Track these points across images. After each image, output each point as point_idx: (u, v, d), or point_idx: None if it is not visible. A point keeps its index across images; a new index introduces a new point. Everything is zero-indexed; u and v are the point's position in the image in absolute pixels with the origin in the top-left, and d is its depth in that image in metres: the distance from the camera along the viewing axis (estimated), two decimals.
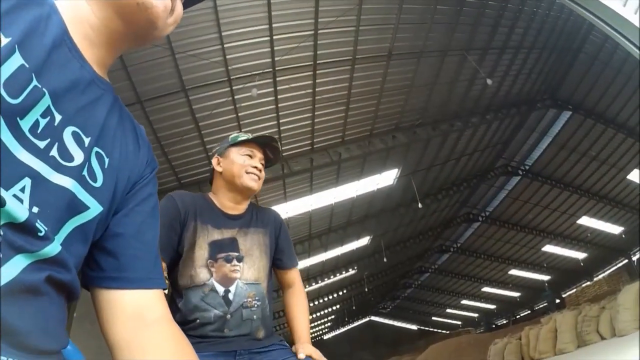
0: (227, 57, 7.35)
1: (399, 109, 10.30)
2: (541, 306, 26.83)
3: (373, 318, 40.69)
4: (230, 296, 1.43)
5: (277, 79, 8.10)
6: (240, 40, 7.23)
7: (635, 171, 15.17)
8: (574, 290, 20.73)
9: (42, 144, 0.54)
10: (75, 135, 0.59)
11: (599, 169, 15.65)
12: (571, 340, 8.47)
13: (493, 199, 18.77)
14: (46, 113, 0.55)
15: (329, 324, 35.86)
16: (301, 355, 1.41)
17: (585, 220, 18.87)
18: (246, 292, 1.46)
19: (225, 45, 7.15)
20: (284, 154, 9.79)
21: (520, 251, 22.40)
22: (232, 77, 7.71)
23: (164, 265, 1.33)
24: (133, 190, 0.72)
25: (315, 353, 1.43)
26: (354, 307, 30.42)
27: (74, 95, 0.60)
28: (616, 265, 22.39)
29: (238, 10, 6.76)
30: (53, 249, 0.54)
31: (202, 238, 1.46)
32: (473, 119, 11.75)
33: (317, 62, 8.18)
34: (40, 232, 0.52)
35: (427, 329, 38.67)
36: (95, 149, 0.63)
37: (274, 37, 7.40)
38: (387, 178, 12.61)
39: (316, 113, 9.17)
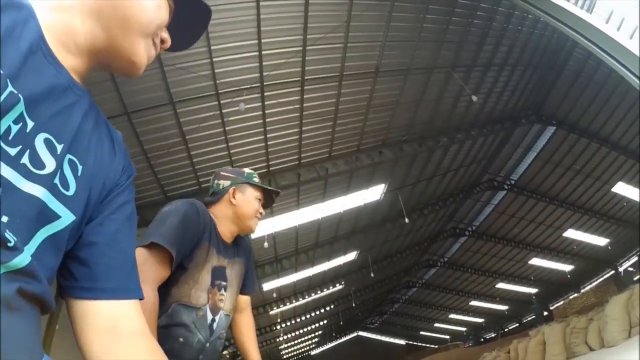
0: (216, 71, 7.37)
1: (385, 125, 10.41)
2: (529, 319, 26.94)
3: (361, 333, 40.36)
4: (214, 325, 1.49)
5: (265, 93, 8.14)
6: (229, 54, 7.26)
7: (620, 184, 15.60)
8: (562, 302, 20.88)
9: (13, 151, 0.53)
10: (47, 142, 0.58)
11: (584, 182, 16.02)
12: (560, 352, 8.49)
13: (479, 214, 18.98)
14: (19, 119, 0.54)
15: (317, 339, 35.45)
16: None
17: (571, 233, 19.17)
18: (223, 325, 1.54)
19: (214, 59, 7.18)
20: (270, 169, 9.79)
21: (507, 265, 22.58)
22: (220, 91, 7.72)
23: (167, 271, 1.32)
24: (108, 198, 0.70)
25: None
26: (341, 322, 30.15)
27: (49, 101, 0.59)
28: (603, 276, 22.70)
29: (228, 24, 6.80)
30: (23, 259, 0.52)
31: (209, 261, 1.49)
32: (459, 135, 11.92)
33: (305, 77, 8.24)
34: (10, 242, 0.50)
35: (415, 343, 38.48)
36: (68, 156, 0.61)
37: (263, 53, 7.46)
38: (374, 193, 12.65)
39: (303, 128, 9.21)
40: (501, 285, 24.62)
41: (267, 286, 15.59)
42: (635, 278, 18.50)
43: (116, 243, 0.69)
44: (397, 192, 13.12)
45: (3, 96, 0.51)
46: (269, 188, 1.76)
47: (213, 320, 1.49)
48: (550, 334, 8.96)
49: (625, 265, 22.09)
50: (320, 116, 9.14)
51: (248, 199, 1.67)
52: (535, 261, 21.79)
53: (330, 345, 39.02)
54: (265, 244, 11.34)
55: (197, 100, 7.73)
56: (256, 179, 1.74)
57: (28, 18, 0.59)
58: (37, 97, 0.57)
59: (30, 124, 0.55)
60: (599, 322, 7.92)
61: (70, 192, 0.61)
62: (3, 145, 0.52)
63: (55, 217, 0.58)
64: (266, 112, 8.47)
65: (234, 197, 1.67)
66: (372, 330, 40.14)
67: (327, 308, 24.32)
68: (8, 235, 0.50)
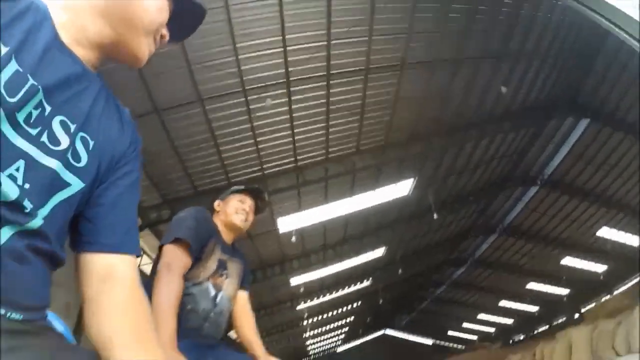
0: (242, 68, 7.47)
1: (413, 118, 10.25)
2: (560, 321, 26.06)
3: (387, 331, 40.07)
4: (217, 299, 1.82)
5: (291, 89, 8.18)
6: (254, 51, 7.35)
7: None
8: (594, 304, 20.12)
9: (34, 132, 0.66)
10: (62, 123, 0.70)
11: (619, 178, 15.24)
12: (586, 357, 8.23)
13: (511, 210, 18.41)
14: (38, 105, 0.66)
15: (343, 336, 35.48)
16: None
17: (605, 232, 18.23)
18: (225, 304, 1.87)
19: (240, 57, 7.27)
20: (298, 164, 9.85)
21: (539, 264, 21.78)
22: (246, 88, 7.82)
23: (189, 260, 1.67)
24: (117, 166, 0.82)
25: None
26: (368, 320, 30.09)
27: (63, 88, 0.71)
28: (637, 278, 21.66)
29: (252, 22, 6.89)
30: (36, 222, 0.65)
31: (216, 254, 1.86)
32: (488, 129, 11.61)
33: (331, 72, 8.23)
34: (26, 209, 0.63)
35: (442, 343, 37.92)
36: (80, 133, 0.73)
37: (288, 49, 7.49)
38: (402, 188, 12.51)
39: (330, 123, 9.21)
40: (532, 285, 23.86)
41: (295, 281, 15.74)
42: None
43: (119, 205, 0.82)
44: (427, 187, 12.95)
45: (25, 88, 0.64)
46: (241, 187, 2.15)
47: (216, 294, 1.82)
48: (577, 337, 8.69)
49: None
50: (347, 110, 9.12)
51: (227, 202, 2.08)
52: (568, 261, 20.93)
53: (356, 342, 38.95)
54: (293, 238, 11.44)
55: (224, 97, 7.86)
56: (236, 188, 2.14)
57: (43, 20, 0.71)
58: (53, 86, 0.69)
59: (48, 108, 0.68)
60: (627, 327, 7.61)
61: (82, 164, 0.73)
62: (26, 127, 0.65)
63: (66, 185, 0.71)
64: (293, 107, 8.51)
65: (218, 206, 2.10)
66: (399, 329, 39.75)
67: (354, 305, 24.32)
68: (26, 203, 0.63)
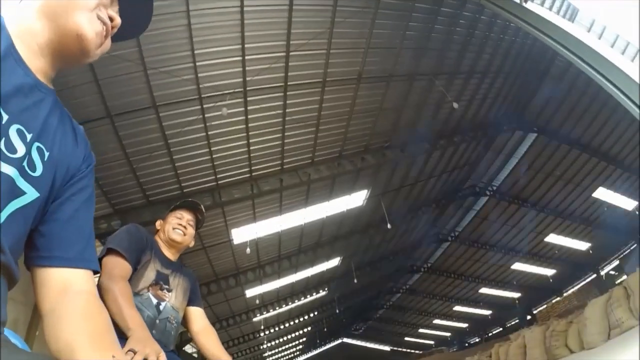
0: (199, 75, 7.35)
1: (368, 131, 10.48)
2: (513, 323, 27.20)
3: (345, 340, 40.18)
4: (161, 307, 1.84)
5: (248, 98, 8.13)
6: (212, 59, 7.25)
7: (600, 189, 16.01)
8: (545, 306, 21.15)
9: None
10: (19, 132, 0.69)
11: (565, 188, 16.35)
12: (540, 355, 8.55)
13: (462, 219, 19.15)
14: None
15: (301, 346, 35.21)
16: None
17: (553, 238, 19.49)
18: (171, 312, 1.89)
19: (198, 64, 7.16)
20: (253, 174, 9.74)
21: (490, 270, 22.81)
22: (203, 96, 7.69)
23: (128, 266, 1.72)
24: (71, 182, 0.81)
25: None
26: (325, 329, 30.04)
27: (19, 98, 0.70)
28: (585, 280, 23.01)
29: (211, 29, 6.80)
30: None
31: (153, 265, 1.90)
32: (441, 142, 12.06)
33: (288, 83, 8.27)
34: None
35: (400, 349, 38.54)
36: (36, 143, 0.73)
37: (246, 58, 7.47)
38: (356, 199, 12.68)
39: (286, 134, 9.22)
40: (484, 290, 24.86)
41: (250, 293, 15.47)
42: (617, 281, 18.85)
43: (74, 220, 0.81)
44: (380, 198, 13.20)
45: None
46: (179, 204, 2.20)
47: (159, 303, 1.84)
48: (531, 337, 9.07)
49: (607, 268, 22.49)
50: (303, 122, 9.16)
51: (167, 220, 2.14)
52: (518, 266, 22.07)
53: (314, 352, 38.77)
54: (248, 250, 11.27)
55: (180, 104, 7.69)
56: (174, 206, 2.21)
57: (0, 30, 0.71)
58: (9, 94, 0.68)
59: (5, 117, 0.67)
60: (579, 325, 8.03)
61: (37, 173, 0.72)
62: None
63: (22, 193, 0.69)
64: (249, 117, 8.45)
65: (159, 226, 2.17)
66: (357, 337, 40.00)
67: (311, 315, 24.21)
68: None
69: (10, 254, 0.68)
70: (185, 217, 2.16)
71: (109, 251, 1.69)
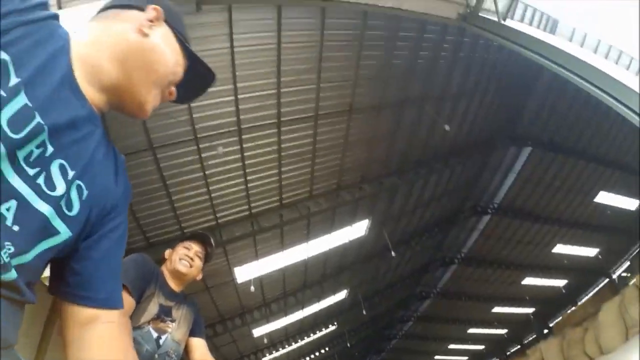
0: (194, 116, 7.45)
1: (363, 160, 10.54)
2: (530, 339, 26.50)
3: None
4: (161, 342, 1.82)
5: (243, 136, 8.21)
6: (206, 99, 7.37)
7: (601, 193, 16.06)
8: (560, 317, 20.68)
9: (32, 172, 0.62)
10: (61, 167, 0.67)
11: (566, 197, 16.37)
12: None
13: (467, 240, 18.98)
14: (41, 145, 0.63)
15: None
16: None
17: (560, 248, 19.33)
18: (171, 346, 1.87)
19: (192, 105, 7.27)
20: (252, 211, 9.74)
21: (501, 287, 22.43)
22: (198, 136, 7.77)
23: (131, 301, 1.67)
24: (106, 218, 0.79)
25: None
26: None
27: (70, 130, 0.68)
28: (598, 286, 22.64)
29: None
30: (10, 276, 0.61)
31: (157, 298, 1.88)
32: (437, 165, 12.11)
33: (282, 119, 8.38)
34: (2, 262, 0.59)
35: None
36: (77, 182, 0.70)
37: (239, 97, 7.60)
38: (358, 229, 12.61)
39: (283, 169, 9.27)
40: (497, 309, 24.39)
41: (257, 332, 15.11)
42: (631, 283, 18.50)
43: (108, 259, 0.80)
44: (382, 227, 13.13)
45: (31, 126, 0.60)
46: (189, 235, 2.22)
47: (159, 337, 1.83)
48: (548, 350, 8.89)
49: (619, 271, 22.16)
50: (298, 156, 9.24)
51: (175, 250, 2.11)
52: (529, 280, 21.74)
53: None
54: (252, 288, 11.10)
55: (176, 145, 7.76)
56: (184, 236, 2.21)
57: (61, 52, 0.69)
58: (60, 127, 0.66)
59: (50, 149, 0.64)
60: (595, 331, 7.87)
61: (73, 213, 0.70)
62: (24, 166, 0.61)
63: (55, 232, 0.68)
64: (245, 154, 8.52)
65: (167, 255, 2.14)
66: None
67: (322, 351, 23.55)
68: (5, 251, 0.59)
69: (29, 288, 0.67)
70: (194, 248, 2.14)
71: None
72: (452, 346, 30.14)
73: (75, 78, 0.71)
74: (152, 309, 1.84)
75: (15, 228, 0.60)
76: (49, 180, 0.65)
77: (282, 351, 18.75)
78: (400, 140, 10.68)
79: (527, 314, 25.18)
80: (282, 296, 13.91)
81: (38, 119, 0.61)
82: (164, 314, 1.89)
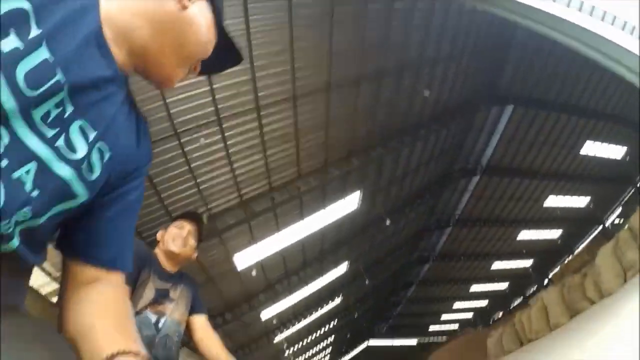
0: (171, 111, 7.40)
1: (348, 134, 10.57)
2: (532, 291, 27.20)
3: (371, 342, 40.00)
4: (160, 325, 1.81)
5: (224, 125, 8.19)
6: (180, 93, 7.32)
7: (587, 143, 16.38)
8: (559, 267, 21.21)
9: (50, 133, 0.59)
10: (81, 129, 0.63)
11: (552, 151, 16.63)
12: (562, 313, 8.56)
13: (459, 202, 19.25)
14: (60, 104, 0.59)
15: (327, 358, 34.98)
16: None
17: (552, 200, 19.73)
18: (171, 327, 1.85)
19: (168, 100, 7.22)
20: (243, 198, 9.82)
21: (498, 244, 22.92)
22: (178, 131, 7.74)
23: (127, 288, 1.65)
24: (125, 180, 0.76)
25: None
26: (348, 336, 29.90)
27: (91, 91, 0.64)
28: (592, 234, 23.12)
29: None
30: (11, 245, 0.58)
31: (151, 283, 1.86)
32: (420, 132, 12.19)
33: (260, 103, 8.35)
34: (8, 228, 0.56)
35: (427, 340, 38.38)
36: (99, 144, 0.66)
37: (214, 86, 7.56)
38: (351, 203, 12.76)
39: (268, 152, 9.29)
40: (496, 265, 24.99)
41: (265, 315, 15.43)
42: (626, 227, 18.91)
43: (121, 219, 0.77)
44: (374, 197, 13.29)
45: (50, 82, 0.56)
46: (180, 214, 2.18)
47: (158, 320, 1.82)
48: (549, 297, 9.05)
49: (611, 218, 22.67)
50: (282, 138, 9.25)
51: (168, 231, 2.08)
52: (524, 235, 22.24)
53: None
54: (254, 272, 11.30)
55: (158, 142, 7.69)
56: (176, 215, 2.21)
57: (91, 7, 0.65)
58: (82, 86, 0.62)
59: (69, 109, 0.61)
60: (593, 276, 8.06)
61: (94, 177, 0.66)
62: (41, 127, 0.57)
63: (73, 196, 0.64)
64: (228, 143, 8.52)
65: (159, 237, 2.12)
66: (381, 337, 39.79)
67: (331, 324, 24.13)
68: (4, 225, 0.55)
69: (36, 251, 0.64)
70: (187, 227, 2.09)
71: None
72: (456, 305, 30.97)
73: (104, 36, 0.66)
74: (148, 294, 1.82)
75: (35, 193, 0.57)
76: (69, 142, 0.61)
77: (292, 329, 19.19)
78: (382, 111, 10.70)
79: (525, 268, 25.80)
80: (285, 276, 14.13)
81: (59, 75, 0.57)
82: (162, 297, 1.86)
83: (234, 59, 0.98)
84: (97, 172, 0.67)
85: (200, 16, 0.80)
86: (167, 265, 2.02)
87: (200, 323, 2.07)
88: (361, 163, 11.17)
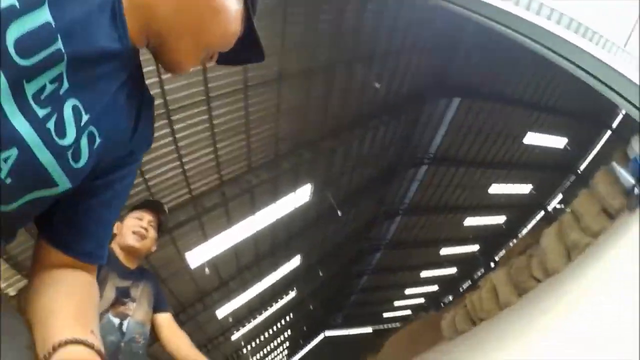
0: None
1: (299, 127, 10.57)
2: (480, 274, 28.60)
3: (327, 333, 40.55)
4: (124, 328, 1.70)
5: (172, 117, 7.87)
6: None
7: (529, 134, 17.39)
8: (504, 250, 22.47)
9: (42, 113, 0.50)
10: (75, 110, 0.55)
11: (497, 140, 17.57)
12: (511, 292, 9.11)
13: (407, 191, 19.84)
14: (56, 79, 0.51)
15: (286, 351, 35.03)
16: None
17: (496, 188, 20.85)
18: (136, 329, 1.73)
19: None
20: (193, 193, 9.53)
21: (445, 231, 23.96)
22: None
23: None
24: (118, 165, 0.68)
25: None
26: (305, 328, 30.10)
27: (91, 65, 0.55)
28: (535, 218, 24.62)
29: None
30: None
31: (110, 282, 1.71)
32: (370, 123, 12.41)
33: (210, 95, 8.10)
34: None
35: (382, 327, 39.48)
36: (90, 128, 0.58)
37: (163, 77, 7.24)
38: (302, 195, 12.79)
39: (218, 145, 9.06)
40: (444, 250, 26.12)
41: (221, 313, 15.14)
42: (568, 211, 20.34)
43: (105, 210, 0.70)
44: (325, 189, 13.37)
45: (47, 52, 0.48)
46: (138, 204, 2.00)
47: (121, 324, 1.69)
48: (497, 279, 9.58)
49: (553, 203, 24.27)
50: (232, 130, 9.07)
51: (125, 223, 1.90)
52: (470, 221, 23.35)
53: (301, 353, 38.80)
54: (206, 270, 11.02)
55: None
56: (134, 206, 1.98)
57: None
58: (84, 58, 0.53)
59: (65, 85, 0.52)
60: (539, 257, 8.60)
61: (80, 165, 0.58)
62: (34, 105, 0.49)
63: (53, 185, 0.56)
64: (177, 136, 8.20)
65: (116, 230, 1.90)
66: (337, 327, 40.45)
67: (287, 318, 24.16)
68: None
69: (5, 236, 0.58)
70: (146, 218, 1.92)
71: None
72: (408, 291, 32.08)
73: (122, 4, 0.59)
74: (108, 294, 1.68)
75: (8, 181, 0.49)
76: (60, 125, 0.53)
77: (248, 326, 19.02)
78: (333, 102, 10.78)
79: (473, 252, 27.16)
80: (238, 273, 13.94)
81: (59, 44, 0.49)
82: (122, 295, 1.73)
83: (257, 56, 0.90)
84: (84, 159, 0.59)
85: (230, 6, 0.73)
86: (126, 261, 1.86)
87: (166, 321, 1.94)
88: (312, 155, 11.19)
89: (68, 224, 0.66)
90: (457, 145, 17.23)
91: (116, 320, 1.67)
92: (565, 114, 16.69)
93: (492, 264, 25.99)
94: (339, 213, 13.59)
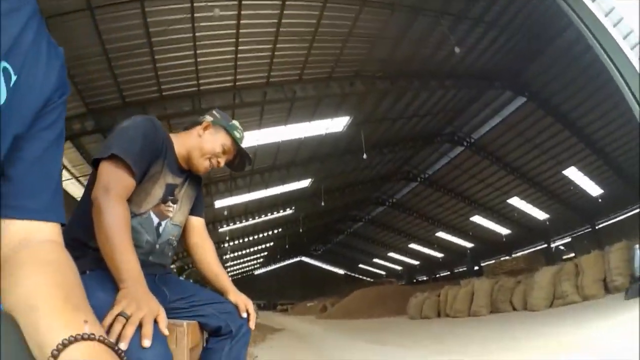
0: None
1: (362, 56, 10.10)
2: (460, 270, 29.06)
3: (304, 259, 42.48)
4: (161, 229, 1.60)
5: (243, 2, 7.55)
6: None
7: (572, 168, 16.62)
8: (493, 261, 22.60)
9: None
10: None
11: (539, 157, 16.74)
12: (485, 305, 9.42)
13: (434, 163, 19.57)
14: None
15: (261, 260, 36.94)
16: (251, 308, 1.59)
17: (516, 201, 20.43)
18: (171, 232, 1.64)
19: None
20: (237, 83, 9.43)
21: (451, 216, 23.98)
22: None
23: (132, 182, 1.34)
24: (40, 114, 0.64)
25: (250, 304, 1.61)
26: (287, 246, 31.44)
27: None
28: (535, 247, 24.32)
29: None
30: None
31: (163, 177, 1.56)
32: (432, 82, 11.83)
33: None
34: None
35: (353, 274, 41.21)
36: (3, 63, 0.55)
37: None
38: (337, 124, 12.65)
39: (277, 45, 8.77)
40: (441, 234, 26.33)
41: (219, 204, 15.73)
42: (564, 257, 20.14)
43: (43, 162, 0.65)
44: (360, 127, 13.17)
45: None
46: (240, 146, 1.77)
47: (159, 224, 1.59)
48: (480, 287, 9.81)
49: (558, 242, 23.88)
50: (297, 35, 8.70)
51: (215, 138, 1.68)
52: (477, 219, 23.27)
53: (273, 266, 41.01)
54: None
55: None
56: (237, 133, 1.73)
57: None
58: None
59: None
60: (526, 287, 8.73)
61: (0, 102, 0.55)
62: None
63: None
64: (241, 22, 7.92)
65: (203, 130, 1.69)
66: (315, 257, 42.28)
67: (275, 231, 25.13)
68: None
69: None
70: (228, 154, 1.76)
71: (113, 156, 1.30)
72: (391, 254, 32.96)
73: None
74: (157, 192, 1.56)
75: None
76: None
77: (239, 225, 19.84)
78: (405, 46, 10.16)
79: (465, 248, 27.28)
80: (249, 173, 14.23)
81: None
82: (169, 194, 1.62)
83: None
84: (2, 96, 0.54)
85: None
86: (181, 160, 1.69)
87: (199, 226, 1.86)
88: (363, 88, 10.83)
89: (12, 186, 0.61)
90: (501, 142, 16.60)
91: (155, 219, 1.57)
92: (615, 166, 15.83)
93: (476, 267, 26.21)
94: (364, 155, 13.46)
